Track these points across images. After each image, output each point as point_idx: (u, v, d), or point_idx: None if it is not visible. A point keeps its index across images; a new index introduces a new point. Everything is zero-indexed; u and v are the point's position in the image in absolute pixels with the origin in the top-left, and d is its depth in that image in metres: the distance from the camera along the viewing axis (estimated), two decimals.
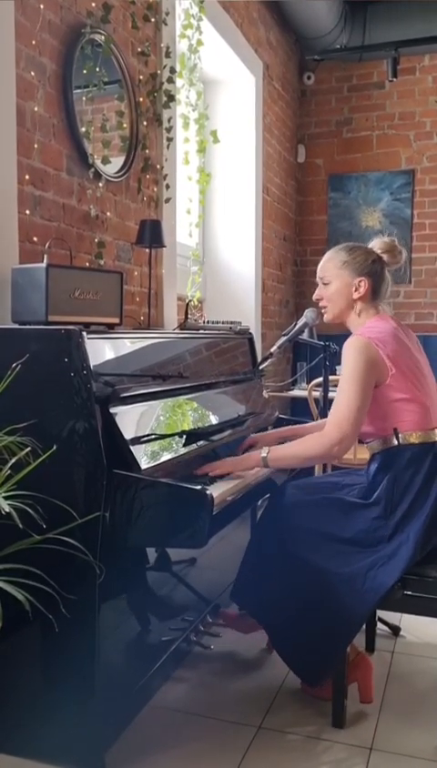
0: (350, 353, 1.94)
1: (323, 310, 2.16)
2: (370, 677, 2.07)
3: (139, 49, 3.02)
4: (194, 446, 2.05)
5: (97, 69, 2.63)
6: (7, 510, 1.37)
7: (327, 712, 2.02)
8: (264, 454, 2.00)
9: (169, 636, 2.17)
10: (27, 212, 2.33)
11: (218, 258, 4.55)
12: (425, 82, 5.27)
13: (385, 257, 2.11)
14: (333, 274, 2.10)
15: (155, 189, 3.19)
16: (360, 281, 2.06)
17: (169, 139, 3.23)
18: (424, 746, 1.91)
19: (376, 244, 2.13)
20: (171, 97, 3.21)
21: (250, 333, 3.02)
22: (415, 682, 2.27)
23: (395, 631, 2.58)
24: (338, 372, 3.80)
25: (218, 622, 2.39)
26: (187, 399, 2.22)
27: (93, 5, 2.65)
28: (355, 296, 2.07)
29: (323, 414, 2.94)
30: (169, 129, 3.22)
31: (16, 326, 1.89)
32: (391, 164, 5.38)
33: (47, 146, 2.44)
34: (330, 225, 5.56)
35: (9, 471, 1.49)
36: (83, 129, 2.59)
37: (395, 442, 1.97)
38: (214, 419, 2.32)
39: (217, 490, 1.80)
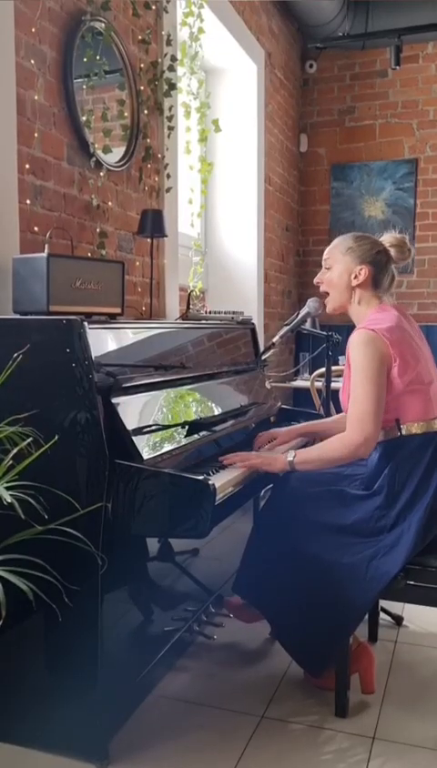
0: (360, 349, 1.93)
1: (325, 300, 2.16)
2: (371, 668, 2.07)
3: (140, 37, 3.00)
4: (196, 436, 2.04)
5: (98, 57, 2.61)
6: (9, 501, 1.37)
7: (330, 701, 2.03)
8: (291, 458, 2.01)
9: (172, 626, 2.17)
10: (28, 202, 2.32)
11: (220, 249, 4.53)
12: (429, 70, 5.22)
13: (393, 251, 2.10)
14: (336, 258, 2.10)
15: (156, 179, 3.17)
16: (360, 269, 2.05)
17: (170, 128, 3.22)
18: (427, 735, 1.92)
19: (387, 237, 2.13)
20: (172, 86, 3.19)
21: (252, 323, 3.01)
22: (418, 671, 2.27)
23: (398, 620, 2.59)
24: (340, 362, 3.79)
25: (221, 612, 2.39)
26: (189, 390, 2.22)
27: None
28: (354, 282, 2.06)
29: (326, 405, 2.94)
30: (170, 118, 3.20)
31: (18, 316, 1.89)
32: (394, 153, 5.34)
33: (48, 136, 2.42)
34: (332, 215, 5.53)
35: (11, 462, 1.48)
36: (84, 118, 2.57)
37: (397, 433, 1.97)
38: (216, 410, 2.32)
39: (219, 481, 1.80)
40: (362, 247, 2.07)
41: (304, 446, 2.47)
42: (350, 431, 1.93)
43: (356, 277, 2.06)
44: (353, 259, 2.06)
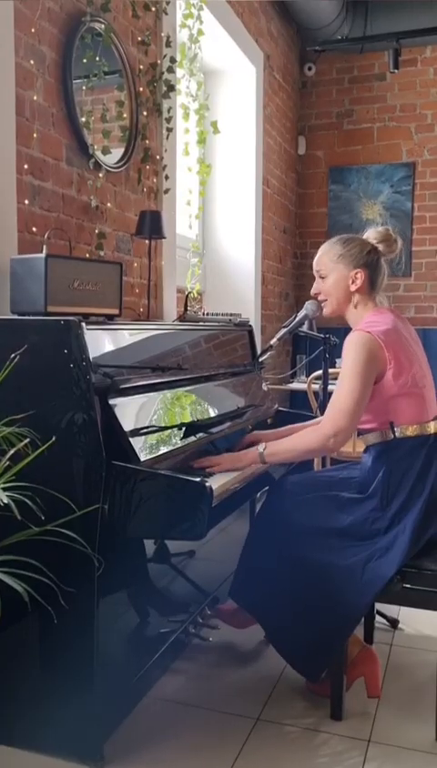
0: (352, 348, 1.94)
1: (322, 304, 2.16)
2: (377, 670, 2.04)
3: (140, 38, 3.00)
4: (193, 438, 2.04)
5: (97, 59, 2.61)
6: (6, 502, 1.37)
7: (325, 704, 2.03)
8: (261, 450, 2.01)
9: (168, 628, 2.17)
10: (26, 202, 2.32)
11: (218, 250, 4.53)
12: (427, 74, 5.24)
13: (381, 246, 2.10)
14: (329, 267, 2.10)
15: (154, 180, 3.17)
16: (356, 273, 2.05)
17: (169, 130, 3.22)
18: (422, 739, 1.92)
19: (371, 234, 2.13)
20: (171, 87, 3.19)
21: (250, 325, 3.01)
22: (413, 674, 2.27)
23: (394, 623, 2.59)
24: (337, 365, 3.78)
25: (215, 617, 2.38)
26: (186, 392, 2.21)
27: None
28: (352, 288, 2.07)
29: (322, 407, 2.93)
30: (169, 120, 3.20)
31: (15, 316, 1.88)
32: (392, 156, 5.35)
33: (47, 136, 2.42)
34: (330, 217, 5.54)
35: (8, 462, 1.48)
36: (83, 119, 2.57)
37: (391, 435, 1.97)
38: (213, 412, 2.31)
39: (216, 482, 1.80)
40: (352, 252, 2.07)
41: None
42: (324, 423, 1.95)
43: (353, 282, 2.06)
44: (346, 265, 2.06)
